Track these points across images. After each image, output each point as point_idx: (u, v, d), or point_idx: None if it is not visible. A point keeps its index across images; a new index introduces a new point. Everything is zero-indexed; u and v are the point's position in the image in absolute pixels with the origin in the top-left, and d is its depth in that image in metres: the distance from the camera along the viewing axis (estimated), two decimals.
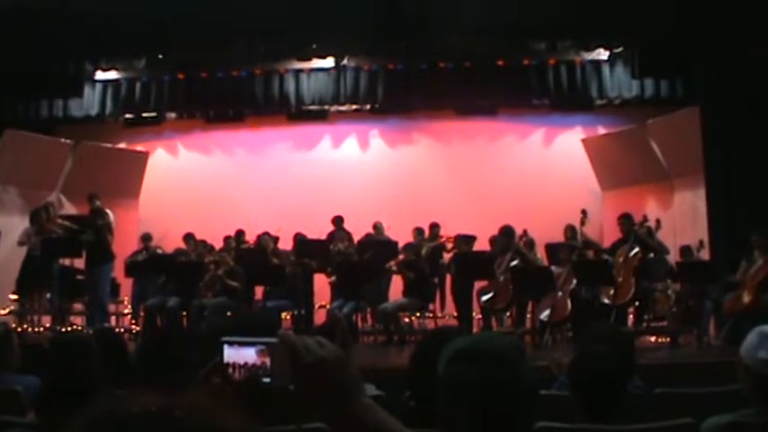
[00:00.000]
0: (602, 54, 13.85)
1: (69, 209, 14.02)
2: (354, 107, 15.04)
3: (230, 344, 1.53)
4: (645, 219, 11.16)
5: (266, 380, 1.49)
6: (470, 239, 12.36)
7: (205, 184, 15.60)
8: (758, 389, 3.03)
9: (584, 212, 11.58)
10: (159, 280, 12.18)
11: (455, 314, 11.71)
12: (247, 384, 1.49)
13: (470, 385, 1.80)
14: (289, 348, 1.43)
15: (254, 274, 11.73)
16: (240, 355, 1.52)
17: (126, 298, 13.17)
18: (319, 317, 12.14)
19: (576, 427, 3.31)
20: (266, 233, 12.73)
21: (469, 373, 1.81)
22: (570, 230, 11.74)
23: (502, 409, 1.81)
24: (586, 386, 3.31)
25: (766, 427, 3.00)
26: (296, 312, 11.80)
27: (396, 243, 12.39)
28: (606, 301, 10.56)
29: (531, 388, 1.87)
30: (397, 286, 12.19)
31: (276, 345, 1.48)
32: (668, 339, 10.88)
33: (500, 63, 13.95)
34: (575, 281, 10.89)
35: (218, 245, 12.90)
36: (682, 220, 13.20)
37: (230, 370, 1.52)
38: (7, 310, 12.17)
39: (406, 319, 11.89)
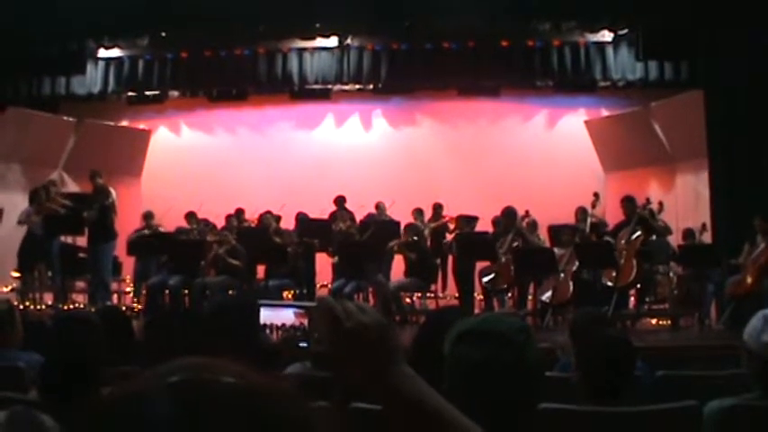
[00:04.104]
0: (607, 36, 13.77)
1: (72, 187, 14.02)
2: (357, 87, 14.99)
3: (268, 305, 1.52)
4: (648, 201, 11.14)
5: (303, 344, 1.47)
6: (472, 220, 12.34)
7: (207, 162, 15.57)
8: (762, 373, 3.03)
9: (596, 195, 11.62)
10: (161, 259, 12.18)
11: (456, 294, 11.72)
12: (284, 346, 1.47)
13: (477, 366, 1.80)
14: (328, 313, 1.39)
15: (256, 253, 11.73)
16: (278, 316, 1.50)
17: (128, 276, 13.17)
18: None
19: (580, 409, 3.31)
20: (268, 212, 12.71)
21: (476, 353, 1.81)
22: (582, 212, 11.71)
23: (508, 390, 1.81)
24: (597, 369, 3.30)
25: None
26: (298, 291, 11.82)
27: (398, 223, 12.38)
28: (608, 283, 10.57)
29: (536, 369, 1.87)
30: (398, 266, 12.19)
31: (315, 309, 1.44)
32: (669, 322, 10.88)
33: (504, 44, 13.88)
34: (577, 263, 10.89)
35: (221, 224, 12.89)
36: (684, 203, 13.18)
37: (267, 331, 1.50)
38: (9, 288, 12.19)
39: (408, 300, 11.92)
